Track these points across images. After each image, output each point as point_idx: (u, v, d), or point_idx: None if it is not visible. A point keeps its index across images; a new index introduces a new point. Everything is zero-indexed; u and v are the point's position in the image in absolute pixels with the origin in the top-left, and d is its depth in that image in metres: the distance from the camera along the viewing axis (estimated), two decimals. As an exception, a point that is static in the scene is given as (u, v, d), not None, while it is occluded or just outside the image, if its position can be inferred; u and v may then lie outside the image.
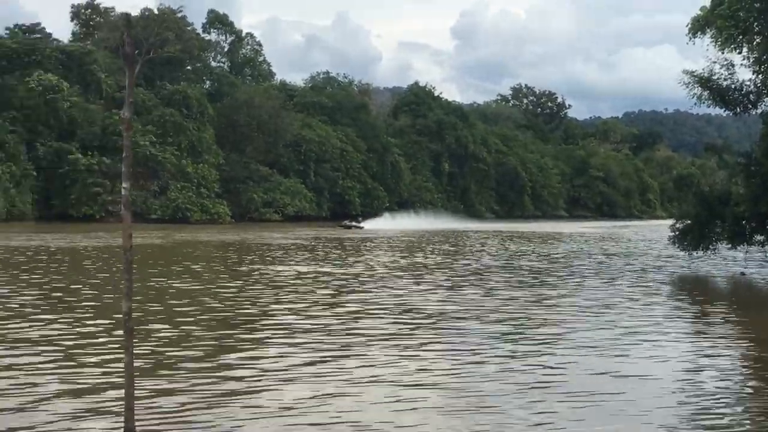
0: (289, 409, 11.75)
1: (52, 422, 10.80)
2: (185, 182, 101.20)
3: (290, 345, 16.95)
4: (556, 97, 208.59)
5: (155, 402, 11.79)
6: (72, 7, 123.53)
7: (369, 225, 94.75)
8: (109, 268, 35.17)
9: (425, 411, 11.90)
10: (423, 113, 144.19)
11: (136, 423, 9.00)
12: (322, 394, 12.69)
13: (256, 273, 33.40)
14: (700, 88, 39.71)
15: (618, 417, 12.07)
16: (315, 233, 75.74)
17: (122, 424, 9.14)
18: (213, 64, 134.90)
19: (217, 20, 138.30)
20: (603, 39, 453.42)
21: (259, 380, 13.77)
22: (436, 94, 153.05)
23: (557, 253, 51.87)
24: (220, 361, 15.39)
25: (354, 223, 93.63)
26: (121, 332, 17.13)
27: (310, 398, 12.45)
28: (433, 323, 20.46)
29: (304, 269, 35.61)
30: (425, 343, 17.53)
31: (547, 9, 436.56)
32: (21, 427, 10.45)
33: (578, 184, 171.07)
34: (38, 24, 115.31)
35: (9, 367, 13.91)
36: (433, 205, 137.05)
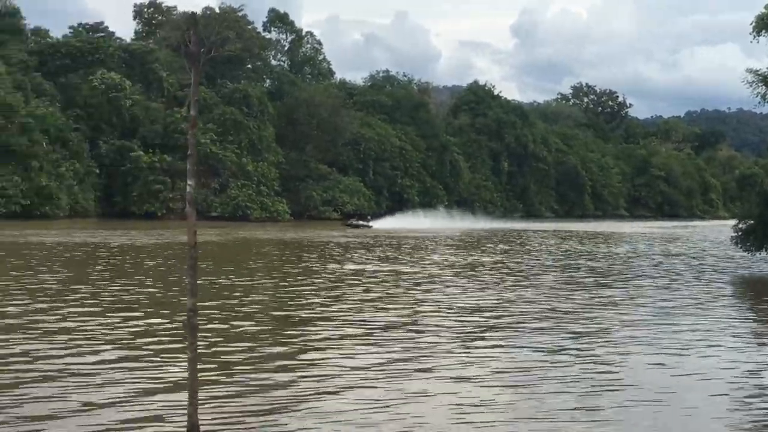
0: (352, 411, 11.69)
1: (114, 417, 10.87)
2: (245, 180, 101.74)
3: (354, 346, 16.90)
4: (617, 96, 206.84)
5: (218, 399, 11.82)
6: (135, 6, 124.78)
7: (379, 224, 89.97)
8: (168, 264, 35.41)
9: (493, 413, 11.79)
10: (482, 112, 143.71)
11: (200, 419, 9.01)
12: (390, 397, 12.61)
13: (316, 271, 33.43)
14: (764, 86, 39.11)
15: (689, 418, 11.98)
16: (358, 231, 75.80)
17: (186, 420, 9.15)
18: (273, 62, 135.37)
19: (278, 19, 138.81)
20: (664, 38, 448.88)
21: (323, 380, 13.73)
22: (495, 93, 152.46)
23: (619, 253, 51.38)
24: (283, 360, 15.37)
25: (362, 222, 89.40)
26: (180, 328, 17.25)
27: (377, 400, 12.38)
28: (501, 323, 20.33)
29: (365, 267, 35.57)
30: (495, 345, 17.40)
31: (608, 8, 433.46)
32: (86, 424, 10.52)
33: (639, 184, 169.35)
34: (101, 23, 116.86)
35: (71, 365, 14.01)
36: (492, 204, 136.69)
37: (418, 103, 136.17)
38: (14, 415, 10.90)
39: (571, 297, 25.99)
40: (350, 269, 34.54)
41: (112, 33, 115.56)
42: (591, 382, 14.21)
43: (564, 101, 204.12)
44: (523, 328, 19.74)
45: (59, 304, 21.29)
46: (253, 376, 13.75)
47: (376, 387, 13.31)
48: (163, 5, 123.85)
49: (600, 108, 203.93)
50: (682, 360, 16.36)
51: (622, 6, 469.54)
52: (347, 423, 11.08)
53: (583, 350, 17.02)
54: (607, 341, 18.20)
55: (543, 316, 21.69)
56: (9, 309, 20.10)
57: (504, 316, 21.59)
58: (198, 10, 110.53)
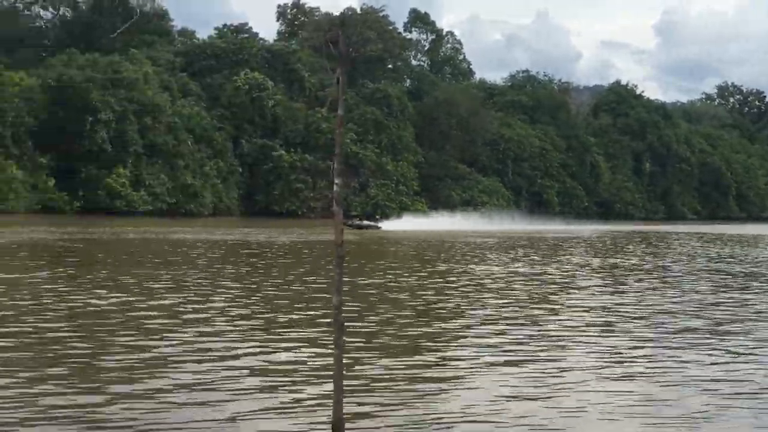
0: (493, 413, 11.64)
1: (257, 414, 11.03)
2: (385, 180, 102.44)
3: (491, 345, 16.81)
4: (765, 96, 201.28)
5: (361, 395, 11.90)
6: (278, 8, 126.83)
7: (388, 225, 78.15)
8: (309, 262, 35.80)
9: (631, 419, 11.61)
10: (624, 112, 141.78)
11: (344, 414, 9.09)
12: (529, 395, 12.53)
13: (452, 270, 33.37)
14: None
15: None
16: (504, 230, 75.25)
17: (330, 417, 9.25)
18: (413, 62, 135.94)
19: (419, 19, 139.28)
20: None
21: (463, 379, 13.71)
22: (637, 93, 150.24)
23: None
24: (424, 357, 15.40)
25: (367, 222, 77.36)
26: (318, 325, 17.46)
27: (515, 397, 12.32)
28: (638, 325, 19.98)
29: (500, 269, 35.39)
30: (633, 347, 17.12)
31: (755, 7, 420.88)
32: (225, 419, 10.71)
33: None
34: (246, 24, 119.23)
35: (212, 361, 14.27)
36: (633, 206, 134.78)
37: (559, 103, 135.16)
38: (167, 401, 11.17)
39: (716, 301, 25.31)
40: (493, 270, 34.40)
41: (256, 34, 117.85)
42: (746, 387, 13.80)
43: (709, 101, 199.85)
44: (663, 331, 19.34)
45: (199, 298, 21.72)
46: (396, 371, 13.80)
47: (513, 382, 13.23)
48: (305, 6, 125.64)
49: (746, 108, 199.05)
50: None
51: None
52: (496, 424, 11.05)
53: (729, 357, 16.56)
54: (754, 347, 17.66)
55: (685, 318, 21.20)
56: (150, 303, 20.61)
57: (640, 317, 21.18)
58: (340, 11, 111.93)
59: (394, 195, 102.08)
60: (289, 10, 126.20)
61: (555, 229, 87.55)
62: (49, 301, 20.28)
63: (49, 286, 23.10)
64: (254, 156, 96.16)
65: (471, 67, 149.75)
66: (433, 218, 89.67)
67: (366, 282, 27.17)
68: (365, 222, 76.93)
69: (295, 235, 56.87)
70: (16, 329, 16.45)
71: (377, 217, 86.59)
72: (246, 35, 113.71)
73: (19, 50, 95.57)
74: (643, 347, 17.14)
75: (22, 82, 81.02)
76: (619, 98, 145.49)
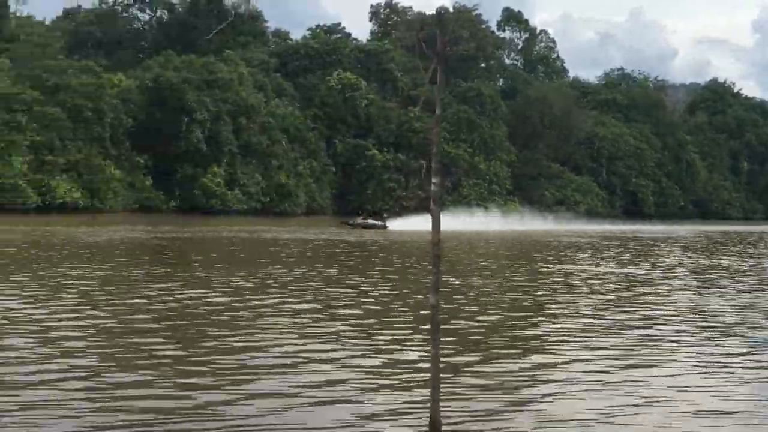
0: (604, 418, 11.47)
1: (354, 412, 11.04)
2: (477, 179, 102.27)
3: (587, 348, 16.62)
4: None
5: (457, 396, 11.83)
6: (371, 7, 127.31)
7: (396, 225, 72.55)
8: (397, 260, 35.82)
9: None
10: (721, 110, 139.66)
11: (441, 416, 9.04)
12: (639, 402, 12.30)
13: (544, 269, 33.13)
14: None
15: None
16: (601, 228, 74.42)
17: (427, 417, 9.21)
18: (507, 61, 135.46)
19: (512, 18, 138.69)
20: None
21: (570, 383, 13.51)
22: (735, 91, 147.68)
23: None
24: (526, 360, 15.26)
25: (373, 221, 71.95)
26: (413, 326, 17.42)
27: (616, 406, 12.13)
28: (737, 332, 19.53)
29: (595, 269, 35.01)
30: (730, 354, 16.75)
31: None
32: (326, 418, 10.71)
33: None
34: (338, 24, 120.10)
35: (306, 361, 14.28)
36: (731, 205, 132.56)
37: (655, 101, 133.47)
38: (255, 393, 11.22)
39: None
40: (587, 270, 34.08)
41: (349, 34, 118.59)
42: None
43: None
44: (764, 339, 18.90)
45: (291, 299, 21.82)
46: (492, 371, 13.69)
47: (609, 391, 13.01)
48: (398, 6, 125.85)
49: None
50: None
51: None
52: (587, 428, 10.90)
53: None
54: None
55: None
56: (249, 303, 20.75)
57: (740, 323, 20.71)
58: (432, 11, 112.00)
59: (487, 194, 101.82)
60: (381, 10, 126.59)
61: (595, 229, 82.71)
62: (146, 299, 20.56)
63: (157, 284, 23.42)
64: (347, 156, 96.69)
65: (564, 65, 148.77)
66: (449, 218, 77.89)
67: (460, 283, 27.05)
68: (370, 221, 71.92)
69: (396, 236, 56.97)
70: (113, 325, 16.69)
71: (384, 215, 78.72)
72: (339, 35, 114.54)
73: (117, 52, 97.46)
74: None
75: (120, 84, 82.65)
76: (715, 96, 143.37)
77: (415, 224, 67.87)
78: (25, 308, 18.28)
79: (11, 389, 11.27)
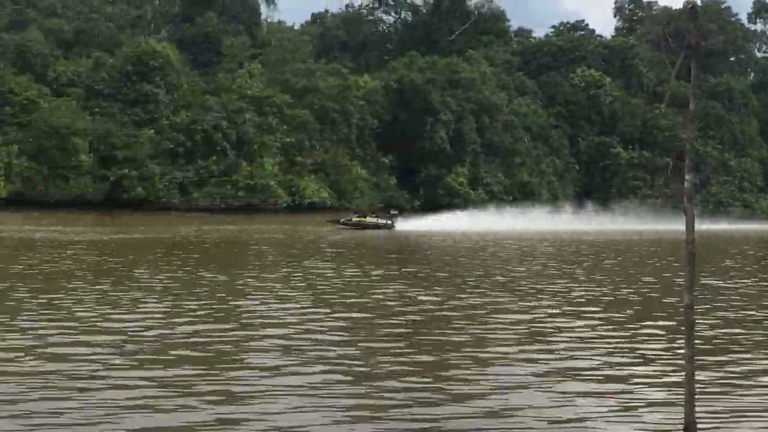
0: None
1: (605, 415, 11.01)
2: (727, 176, 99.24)
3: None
4: None
5: (710, 397, 11.59)
6: (615, 3, 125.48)
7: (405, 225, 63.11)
8: (636, 262, 35.23)
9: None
10: None
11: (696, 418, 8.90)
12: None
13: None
14: None
15: None
16: None
17: (681, 418, 9.08)
18: (758, 54, 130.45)
19: (764, 9, 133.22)
20: None
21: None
22: None
23: None
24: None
25: (375, 220, 62.03)
26: (666, 325, 17.09)
27: None
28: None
29: None
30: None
31: None
32: (571, 418, 10.73)
33: None
34: (582, 21, 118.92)
35: (550, 361, 14.27)
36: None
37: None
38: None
39: None
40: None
41: (592, 31, 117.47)
42: None
43: None
44: None
45: (530, 297, 21.85)
46: (751, 375, 13.33)
47: None
48: (643, 1, 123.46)
49: None
50: None
51: None
52: None
53: None
54: None
55: None
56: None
57: None
58: (678, 5, 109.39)
59: (738, 192, 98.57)
60: (626, 6, 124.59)
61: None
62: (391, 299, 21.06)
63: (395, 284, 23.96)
64: (590, 153, 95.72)
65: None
66: (452, 217, 67.24)
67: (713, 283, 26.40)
68: (371, 220, 62.04)
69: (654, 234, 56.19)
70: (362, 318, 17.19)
71: (394, 213, 66.11)
72: (582, 32, 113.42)
73: (363, 54, 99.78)
74: None
75: (366, 85, 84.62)
76: None
77: (436, 224, 62.76)
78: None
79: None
